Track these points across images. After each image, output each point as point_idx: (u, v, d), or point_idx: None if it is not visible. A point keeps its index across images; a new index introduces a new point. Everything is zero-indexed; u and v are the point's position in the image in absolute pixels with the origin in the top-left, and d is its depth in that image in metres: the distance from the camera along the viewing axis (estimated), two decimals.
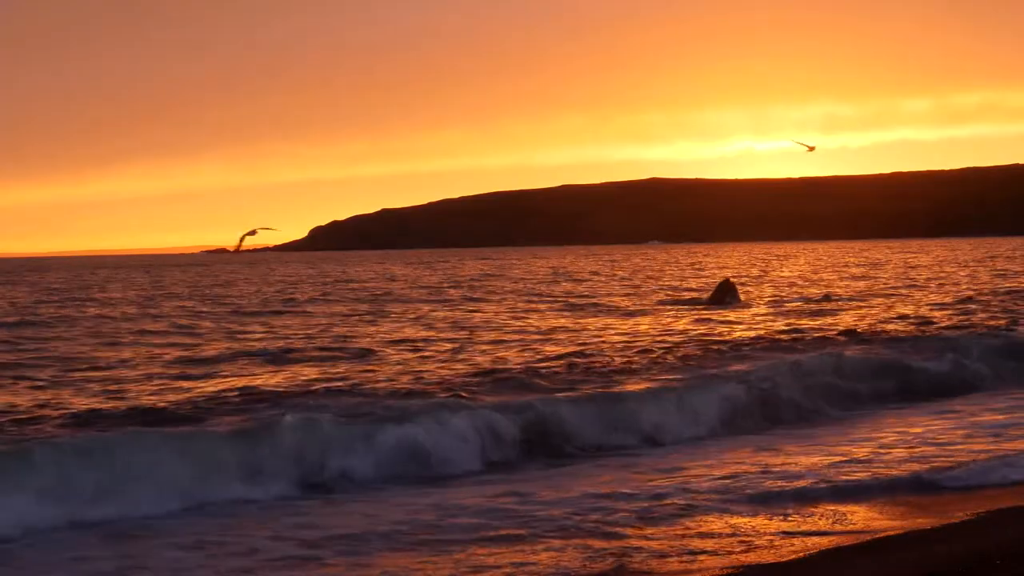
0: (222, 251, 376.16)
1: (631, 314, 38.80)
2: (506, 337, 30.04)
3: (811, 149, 77.11)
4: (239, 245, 62.59)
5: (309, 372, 22.59)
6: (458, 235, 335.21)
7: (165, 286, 71.00)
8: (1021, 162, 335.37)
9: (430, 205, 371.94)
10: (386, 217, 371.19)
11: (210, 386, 20.51)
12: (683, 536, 11.25)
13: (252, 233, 63.39)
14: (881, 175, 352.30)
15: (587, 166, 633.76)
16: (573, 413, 16.87)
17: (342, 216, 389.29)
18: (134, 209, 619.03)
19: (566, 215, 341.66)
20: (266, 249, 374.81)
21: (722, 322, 34.28)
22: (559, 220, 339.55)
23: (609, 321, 35.76)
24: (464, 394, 18.84)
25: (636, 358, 24.22)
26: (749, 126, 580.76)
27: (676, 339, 28.69)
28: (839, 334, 29.15)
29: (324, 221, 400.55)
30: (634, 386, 19.52)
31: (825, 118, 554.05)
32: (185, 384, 20.93)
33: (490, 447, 15.49)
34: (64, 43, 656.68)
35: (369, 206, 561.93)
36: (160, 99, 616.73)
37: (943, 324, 32.00)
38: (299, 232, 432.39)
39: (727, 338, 28.83)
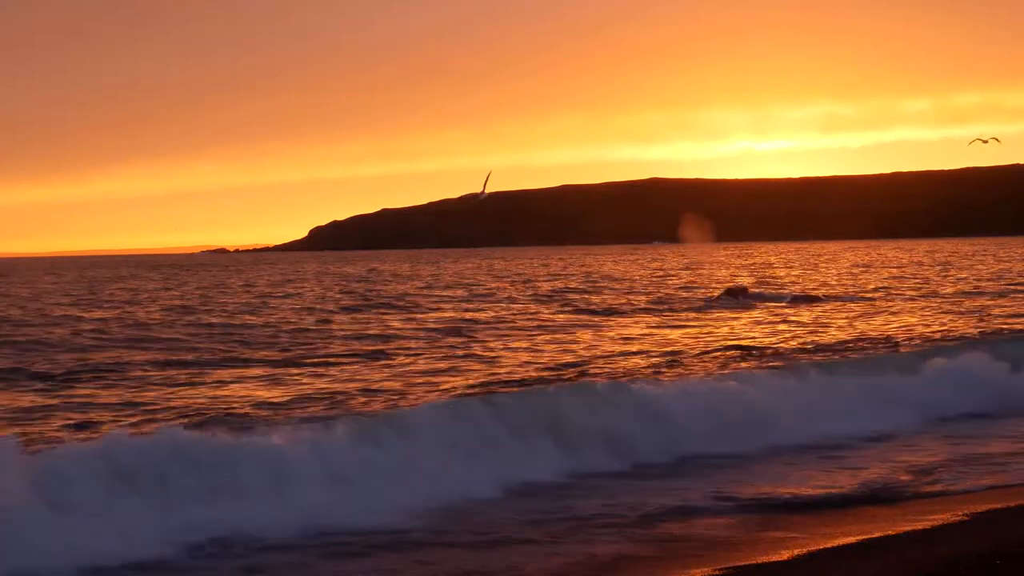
0: (222, 251, 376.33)
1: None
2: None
3: (997, 141, 78.89)
4: None
5: None
6: (458, 235, 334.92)
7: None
8: (1021, 162, 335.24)
9: (430, 205, 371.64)
10: (386, 217, 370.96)
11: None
12: (674, 539, 11.27)
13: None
14: (881, 175, 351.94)
15: (586, 166, 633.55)
16: None
17: (342, 216, 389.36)
18: (134, 209, 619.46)
19: (566, 215, 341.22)
20: (265, 249, 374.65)
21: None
22: (559, 220, 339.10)
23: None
24: None
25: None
26: (749, 126, 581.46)
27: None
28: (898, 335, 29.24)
29: (324, 221, 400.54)
30: None
31: (825, 118, 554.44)
32: None
33: None
34: (64, 43, 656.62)
35: (369, 206, 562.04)
36: (160, 99, 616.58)
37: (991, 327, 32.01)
38: (299, 232, 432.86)
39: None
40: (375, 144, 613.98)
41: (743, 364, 23.51)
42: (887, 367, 21.08)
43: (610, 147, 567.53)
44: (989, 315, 35.62)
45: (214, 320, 38.36)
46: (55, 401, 19.10)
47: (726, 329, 32.51)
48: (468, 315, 39.73)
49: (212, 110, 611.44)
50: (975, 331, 29.97)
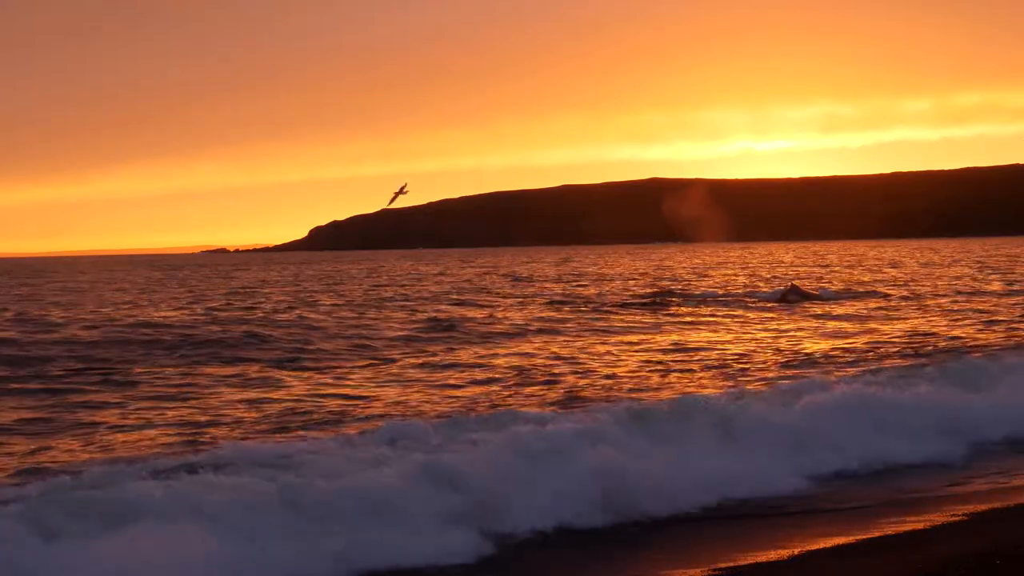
0: (222, 251, 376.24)
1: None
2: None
3: None
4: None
5: None
6: (458, 235, 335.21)
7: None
8: (1021, 162, 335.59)
9: (430, 205, 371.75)
10: (386, 217, 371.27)
11: None
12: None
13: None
14: (881, 175, 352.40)
15: (586, 166, 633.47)
16: None
17: (342, 216, 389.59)
18: (134, 209, 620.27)
19: (566, 215, 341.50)
20: (265, 249, 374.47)
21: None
22: (559, 220, 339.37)
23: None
24: None
25: None
26: (749, 126, 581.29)
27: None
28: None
29: (324, 221, 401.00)
30: None
31: (825, 118, 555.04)
32: None
33: None
34: (64, 43, 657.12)
35: (369, 206, 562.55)
36: (160, 99, 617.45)
37: None
38: (299, 232, 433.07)
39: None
40: (375, 144, 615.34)
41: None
42: None
43: (610, 147, 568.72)
44: None
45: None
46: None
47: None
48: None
49: (212, 110, 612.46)
50: None
